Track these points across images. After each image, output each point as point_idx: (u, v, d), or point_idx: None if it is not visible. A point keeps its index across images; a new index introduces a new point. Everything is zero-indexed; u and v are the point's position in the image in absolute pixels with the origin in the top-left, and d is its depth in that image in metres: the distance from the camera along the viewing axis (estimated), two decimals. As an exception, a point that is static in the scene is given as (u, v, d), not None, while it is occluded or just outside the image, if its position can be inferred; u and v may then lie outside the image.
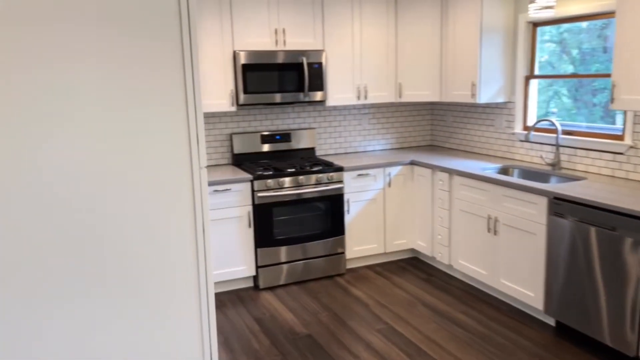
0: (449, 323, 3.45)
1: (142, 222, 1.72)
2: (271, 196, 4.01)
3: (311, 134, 4.67)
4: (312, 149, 4.70)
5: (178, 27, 1.57)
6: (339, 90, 4.46)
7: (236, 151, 4.43)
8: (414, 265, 4.51)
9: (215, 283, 4.04)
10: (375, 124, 5.02)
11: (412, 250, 4.71)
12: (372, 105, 4.97)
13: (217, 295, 4.01)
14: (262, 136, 4.50)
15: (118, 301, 1.75)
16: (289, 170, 4.09)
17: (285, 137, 4.58)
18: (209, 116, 4.39)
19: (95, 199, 1.65)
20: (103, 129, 1.62)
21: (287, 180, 4.05)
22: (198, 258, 1.81)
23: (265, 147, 4.52)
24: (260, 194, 3.97)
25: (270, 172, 4.03)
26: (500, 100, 4.23)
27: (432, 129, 5.26)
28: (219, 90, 4.07)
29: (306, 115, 4.74)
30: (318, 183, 4.16)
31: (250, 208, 3.99)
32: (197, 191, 1.75)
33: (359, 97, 4.54)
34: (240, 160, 4.46)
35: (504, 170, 4.08)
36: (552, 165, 3.82)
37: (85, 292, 1.68)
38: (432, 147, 5.12)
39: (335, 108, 4.84)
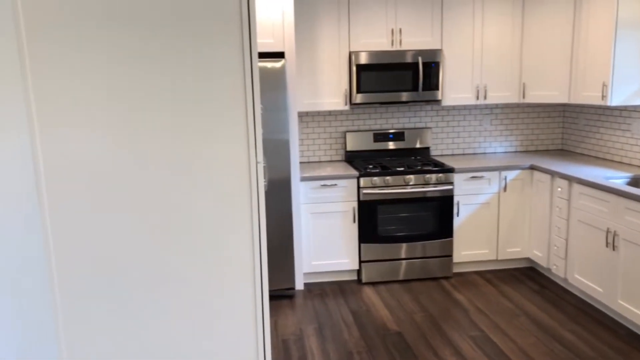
0: (551, 339, 3.23)
1: (203, 218, 1.91)
2: (376, 193, 4.09)
3: (426, 133, 4.64)
4: (427, 149, 4.67)
5: (239, 32, 1.74)
6: (456, 89, 4.37)
7: (349, 148, 4.58)
8: (527, 276, 4.25)
9: (320, 273, 4.24)
10: (498, 125, 4.81)
11: (528, 259, 4.44)
12: (496, 106, 4.77)
13: (320, 284, 4.21)
14: (375, 134, 4.58)
15: (177, 298, 1.97)
16: (397, 169, 4.12)
17: (399, 135, 4.61)
18: (326, 114, 4.60)
19: (162, 197, 1.89)
20: (170, 130, 1.85)
21: (393, 179, 4.09)
22: (254, 253, 1.95)
23: (378, 146, 4.60)
24: (365, 191, 4.07)
25: (378, 170, 4.10)
26: (639, 102, 3.80)
27: (563, 132, 4.88)
28: (333, 90, 4.24)
29: (423, 114, 4.71)
30: (426, 183, 4.13)
31: (355, 204, 4.11)
32: (254, 186, 1.89)
33: (477, 97, 4.40)
34: (353, 158, 4.60)
35: (635, 181, 3.66)
36: None
37: (151, 288, 1.94)
38: (562, 152, 4.76)
39: (454, 108, 4.74)
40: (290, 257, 3.94)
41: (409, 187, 4.12)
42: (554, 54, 4.21)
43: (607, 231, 3.35)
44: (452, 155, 4.79)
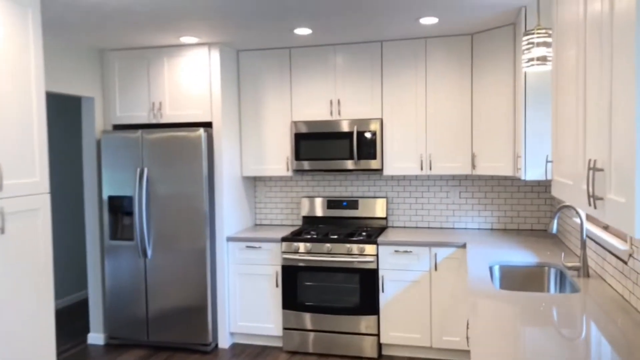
0: None
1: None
2: (297, 259, 4.08)
3: (381, 203, 4.47)
4: (383, 219, 4.48)
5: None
6: (397, 159, 4.19)
7: (304, 214, 4.65)
8: (459, 371, 3.72)
9: (251, 335, 4.30)
10: (470, 197, 4.39)
11: (469, 353, 3.88)
12: (479, 177, 4.37)
13: (247, 346, 4.27)
14: (329, 201, 4.58)
15: None
16: (323, 236, 4.08)
17: (352, 204, 4.53)
18: (287, 180, 4.77)
19: None
20: None
21: (314, 246, 4.05)
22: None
23: (332, 213, 4.58)
24: (286, 256, 4.10)
25: (304, 236, 4.11)
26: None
27: (552, 210, 4.22)
28: (277, 156, 4.43)
29: (382, 184, 4.57)
30: (348, 253, 4.00)
31: (278, 268, 4.16)
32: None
33: (422, 168, 4.15)
34: (308, 223, 4.65)
35: (539, 268, 3.07)
36: (575, 269, 2.71)
37: None
38: (545, 233, 4.12)
39: (416, 178, 4.50)
40: (204, 314, 4.12)
41: (330, 255, 4.03)
42: (500, 123, 3.81)
43: (467, 324, 2.87)
44: (415, 227, 4.49)
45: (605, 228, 2.70)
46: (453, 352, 3.93)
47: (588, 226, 2.85)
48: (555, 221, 2.80)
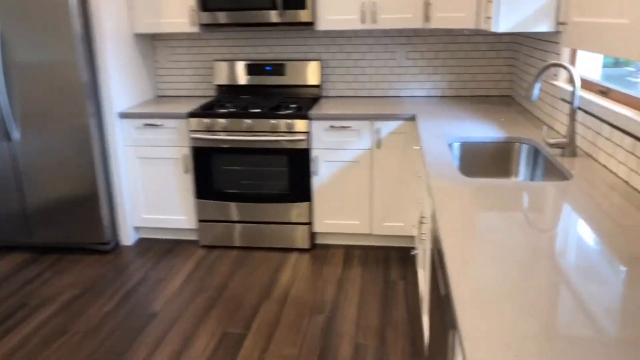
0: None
1: None
2: (209, 139, 3.30)
3: (314, 67, 3.65)
4: (316, 87, 3.70)
5: None
6: (333, 9, 3.30)
7: (218, 82, 3.77)
8: (403, 260, 3.27)
9: (162, 229, 3.62)
10: (419, 59, 3.65)
11: (413, 238, 3.42)
12: (431, 33, 3.58)
13: (157, 242, 3.61)
14: (249, 66, 3.70)
15: None
16: (240, 110, 3.28)
17: (278, 69, 3.68)
18: (195, 38, 3.79)
19: None
20: None
21: (230, 122, 3.26)
22: None
23: (254, 80, 3.73)
24: (194, 135, 3.30)
25: (214, 111, 3.29)
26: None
27: (513, 73, 3.59)
28: (178, 6, 3.41)
29: (313, 42, 3.71)
30: (273, 131, 3.25)
31: (187, 150, 3.37)
32: None
33: (363, 20, 3.30)
34: (223, 93, 3.79)
35: (508, 144, 2.48)
36: (559, 146, 2.13)
37: None
38: (503, 100, 3.51)
39: (356, 34, 3.67)
40: (97, 207, 3.35)
41: (251, 134, 3.27)
42: (464, -42, 2.96)
43: (421, 218, 2.29)
44: (355, 97, 3.76)
45: (604, 93, 2.07)
46: (394, 238, 3.45)
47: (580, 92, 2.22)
48: (538, 86, 2.13)
